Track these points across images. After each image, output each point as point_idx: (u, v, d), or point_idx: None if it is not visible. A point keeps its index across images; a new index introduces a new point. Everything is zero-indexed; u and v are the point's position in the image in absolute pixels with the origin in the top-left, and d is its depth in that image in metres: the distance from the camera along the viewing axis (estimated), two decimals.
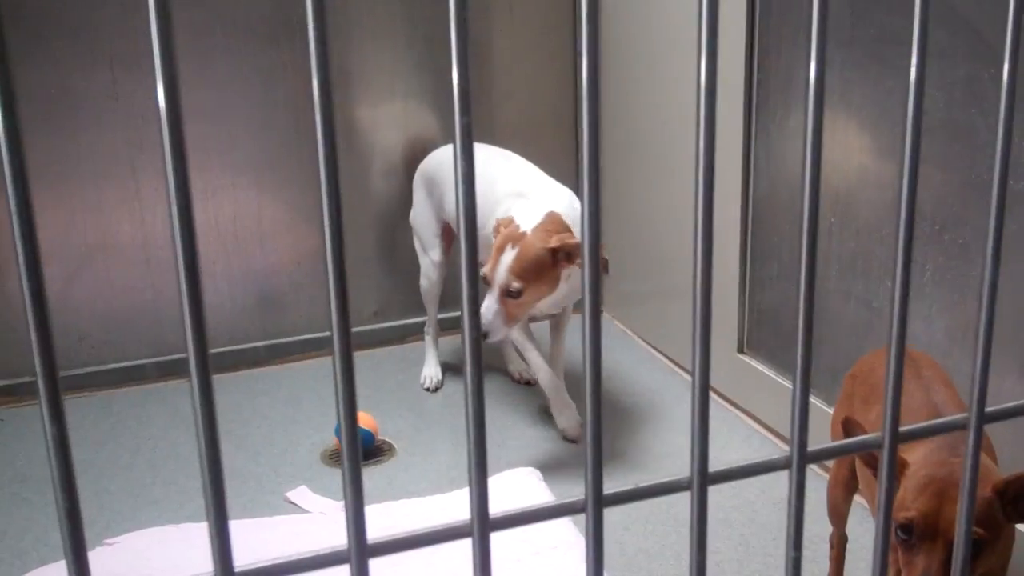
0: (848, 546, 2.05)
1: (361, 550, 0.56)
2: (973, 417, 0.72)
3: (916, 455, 1.55)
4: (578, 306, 3.72)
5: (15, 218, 0.48)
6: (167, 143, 0.49)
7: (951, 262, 2.15)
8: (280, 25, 3.17)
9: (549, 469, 2.65)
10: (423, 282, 3.13)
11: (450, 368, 3.30)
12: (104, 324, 3.21)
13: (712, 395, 3.03)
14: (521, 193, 2.71)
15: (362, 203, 3.41)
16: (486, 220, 2.68)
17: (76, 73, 3.00)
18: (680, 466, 2.61)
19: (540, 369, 2.84)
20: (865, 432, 1.52)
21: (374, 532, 2.05)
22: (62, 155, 3.05)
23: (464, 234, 0.56)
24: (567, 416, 2.84)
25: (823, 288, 2.55)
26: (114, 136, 3.09)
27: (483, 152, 2.92)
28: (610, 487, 0.65)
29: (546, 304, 2.70)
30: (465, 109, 0.56)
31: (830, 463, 2.02)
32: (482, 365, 0.60)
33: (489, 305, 2.51)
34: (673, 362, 3.25)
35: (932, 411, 1.65)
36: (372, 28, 3.30)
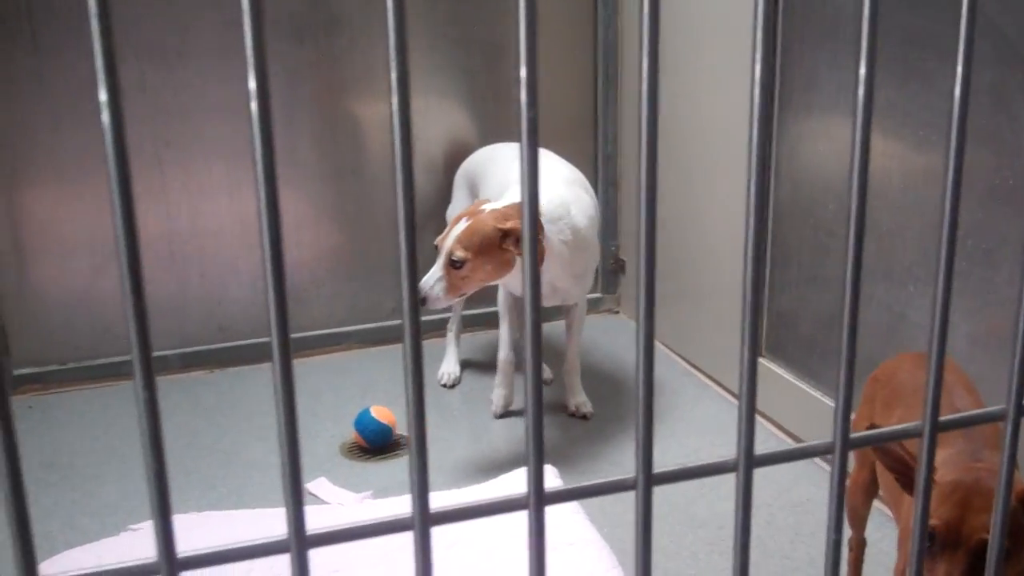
0: (867, 550, 2.06)
1: (424, 518, 0.58)
2: (1011, 409, 0.74)
3: (947, 452, 1.56)
4: (595, 305, 3.74)
5: (118, 219, 0.50)
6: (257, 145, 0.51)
7: (974, 268, 2.16)
8: (307, 23, 3.20)
9: (563, 469, 2.67)
10: None
11: (469, 366, 3.32)
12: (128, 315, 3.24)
13: (729, 397, 3.06)
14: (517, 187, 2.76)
15: (384, 198, 3.43)
16: None
17: None
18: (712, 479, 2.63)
19: (503, 345, 2.97)
20: (897, 443, 1.53)
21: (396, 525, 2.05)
22: (89, 148, 3.08)
23: (527, 229, 0.58)
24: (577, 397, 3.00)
25: (841, 291, 2.56)
26: (141, 130, 3.12)
27: (511, 150, 2.98)
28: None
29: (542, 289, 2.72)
30: (532, 102, 0.57)
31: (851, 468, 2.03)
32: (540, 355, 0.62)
33: (433, 272, 2.57)
34: (689, 363, 3.27)
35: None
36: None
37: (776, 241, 2.81)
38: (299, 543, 0.57)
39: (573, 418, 2.97)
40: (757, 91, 0.62)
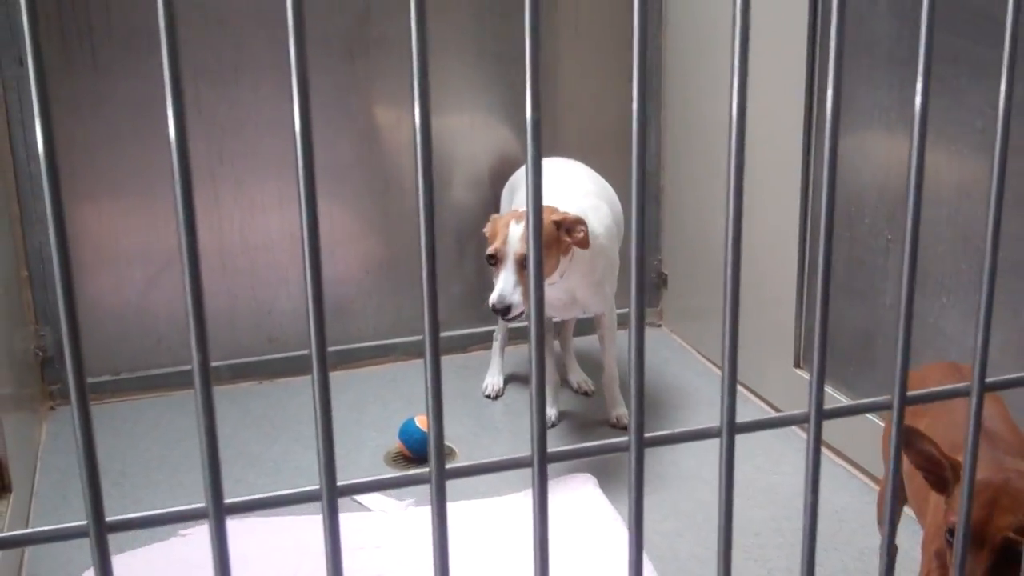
0: (898, 557, 2.09)
1: (440, 472, 0.64)
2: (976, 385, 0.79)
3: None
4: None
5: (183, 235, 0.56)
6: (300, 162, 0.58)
7: (1004, 279, 2.18)
8: (355, 41, 3.28)
9: (605, 475, 2.71)
10: None
11: (513, 379, 3.38)
12: (181, 327, 3.34)
13: (766, 408, 3.09)
14: (549, 193, 2.82)
15: (439, 212, 3.48)
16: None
17: (162, 86, 3.13)
18: (740, 478, 2.67)
19: (547, 369, 3.02)
20: (926, 437, 1.57)
21: (431, 532, 2.13)
22: (146, 164, 3.18)
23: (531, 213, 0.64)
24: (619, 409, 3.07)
25: (879, 304, 2.60)
26: (195, 145, 3.19)
27: (552, 164, 3.04)
28: (656, 500, 0.72)
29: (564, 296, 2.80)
30: (533, 124, 0.63)
31: (880, 474, 2.05)
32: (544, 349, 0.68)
33: (507, 278, 2.55)
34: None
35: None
36: (444, 43, 3.40)
37: (813, 256, 2.84)
38: (330, 492, 0.64)
39: (615, 429, 3.02)
40: (828, 112, 0.67)
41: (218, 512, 0.65)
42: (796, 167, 2.81)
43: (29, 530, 0.68)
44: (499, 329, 3.33)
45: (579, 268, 2.73)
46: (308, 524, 2.48)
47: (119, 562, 2.28)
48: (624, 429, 2.99)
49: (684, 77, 3.44)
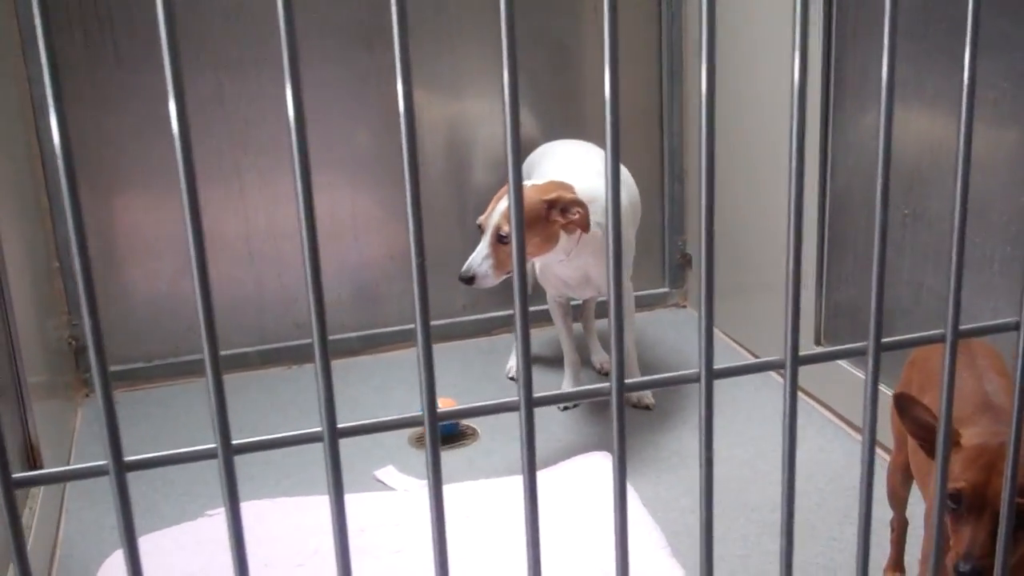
0: (908, 530, 2.10)
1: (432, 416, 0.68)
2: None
3: (974, 429, 1.61)
4: (662, 299, 3.81)
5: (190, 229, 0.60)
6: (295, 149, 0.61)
7: (1017, 253, 2.19)
8: (374, 29, 3.32)
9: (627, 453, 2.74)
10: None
11: (536, 360, 3.41)
12: None
13: (772, 370, 3.08)
14: (561, 173, 2.84)
15: (458, 195, 3.54)
16: None
17: (185, 78, 3.18)
18: (752, 454, 2.69)
19: (566, 349, 3.11)
20: (920, 404, 1.58)
21: (457, 510, 2.20)
22: (173, 155, 3.23)
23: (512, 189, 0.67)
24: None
25: (898, 280, 2.60)
26: (220, 138, 3.27)
27: (568, 145, 3.07)
28: (673, 477, 0.75)
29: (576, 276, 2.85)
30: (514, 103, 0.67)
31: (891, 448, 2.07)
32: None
33: (480, 250, 2.63)
34: (753, 355, 3.32)
35: (983, 399, 1.70)
36: (463, 30, 3.43)
37: (832, 233, 2.85)
38: (331, 435, 0.68)
39: (636, 409, 3.05)
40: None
41: (227, 452, 0.70)
42: (814, 147, 2.82)
43: (56, 469, 0.72)
44: None
45: (589, 248, 2.74)
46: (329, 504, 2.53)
47: (147, 541, 2.35)
48: (647, 408, 3.03)
49: (718, 57, 3.45)
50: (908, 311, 2.58)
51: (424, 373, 0.72)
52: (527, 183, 2.72)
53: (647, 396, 3.06)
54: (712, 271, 0.79)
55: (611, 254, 0.78)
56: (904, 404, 1.56)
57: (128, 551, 0.69)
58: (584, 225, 2.63)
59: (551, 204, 2.61)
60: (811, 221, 2.87)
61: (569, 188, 2.68)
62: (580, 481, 2.55)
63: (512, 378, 3.29)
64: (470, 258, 2.63)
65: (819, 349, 2.84)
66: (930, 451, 1.58)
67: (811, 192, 2.85)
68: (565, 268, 2.81)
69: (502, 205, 2.62)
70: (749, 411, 2.96)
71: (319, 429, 0.72)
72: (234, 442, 0.70)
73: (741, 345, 3.39)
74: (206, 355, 0.67)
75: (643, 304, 3.77)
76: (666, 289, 3.83)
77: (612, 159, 0.72)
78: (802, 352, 0.83)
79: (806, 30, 0.75)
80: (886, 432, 2.47)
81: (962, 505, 1.52)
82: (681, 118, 3.65)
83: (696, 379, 0.79)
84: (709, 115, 0.74)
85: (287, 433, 0.75)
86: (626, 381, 0.78)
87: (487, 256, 2.62)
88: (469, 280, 2.62)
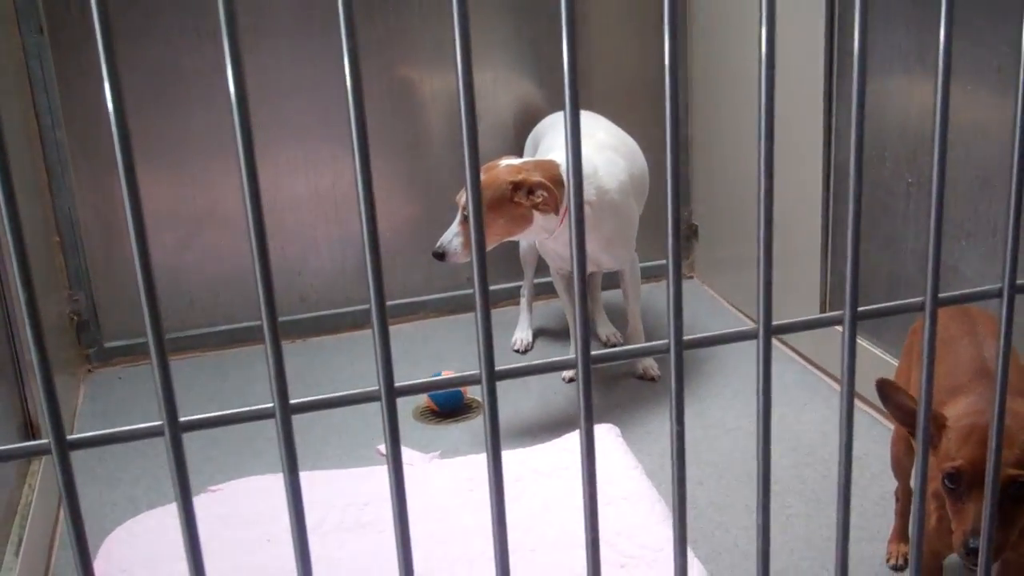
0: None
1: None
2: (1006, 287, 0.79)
3: (957, 408, 1.59)
4: (663, 271, 3.78)
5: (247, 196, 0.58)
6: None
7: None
8: (375, 1, 3.29)
9: (630, 426, 2.73)
10: (521, 244, 3.22)
11: (542, 333, 3.39)
12: (212, 288, 3.39)
13: (795, 356, 3.09)
14: (561, 146, 2.83)
15: (461, 166, 3.51)
16: None
17: (186, 50, 3.16)
18: (755, 429, 2.67)
19: (570, 316, 3.14)
20: (902, 390, 1.57)
21: (460, 482, 2.17)
22: (174, 129, 3.22)
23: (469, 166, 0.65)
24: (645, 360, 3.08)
25: (902, 249, 2.57)
26: (221, 111, 3.24)
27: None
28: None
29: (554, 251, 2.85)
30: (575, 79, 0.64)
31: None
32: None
33: (451, 227, 2.66)
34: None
35: (981, 365, 1.68)
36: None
37: (837, 202, 2.83)
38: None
39: (642, 380, 3.03)
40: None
41: (284, 412, 0.69)
42: (818, 117, 2.79)
43: (111, 430, 0.71)
44: (525, 285, 3.35)
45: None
46: (333, 478, 2.52)
47: (150, 517, 2.35)
48: (652, 380, 3.01)
49: (711, 26, 3.41)
50: (912, 279, 2.55)
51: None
52: (509, 161, 2.69)
53: (652, 368, 3.05)
54: (771, 231, 0.77)
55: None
56: (887, 391, 1.55)
57: (184, 513, 0.68)
58: (552, 207, 2.61)
59: (516, 186, 2.59)
60: (815, 190, 2.85)
61: (551, 166, 2.66)
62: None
63: (518, 350, 3.28)
64: (443, 235, 2.66)
65: (796, 319, 2.82)
66: (916, 436, 1.56)
67: (815, 161, 2.82)
68: (556, 245, 2.79)
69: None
70: (752, 381, 2.94)
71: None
72: (292, 401, 0.70)
73: (748, 316, 3.37)
74: (264, 322, 0.65)
75: (649, 274, 3.74)
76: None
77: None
78: (778, 321, 0.81)
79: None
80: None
81: (962, 483, 1.50)
82: (686, 88, 3.62)
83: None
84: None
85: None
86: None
87: (457, 234, 2.65)
88: (440, 256, 2.67)
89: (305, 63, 3.26)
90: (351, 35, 0.63)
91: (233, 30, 0.65)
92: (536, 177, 2.60)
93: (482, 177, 2.61)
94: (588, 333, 0.75)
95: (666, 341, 0.77)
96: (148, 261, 0.63)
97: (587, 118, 3.05)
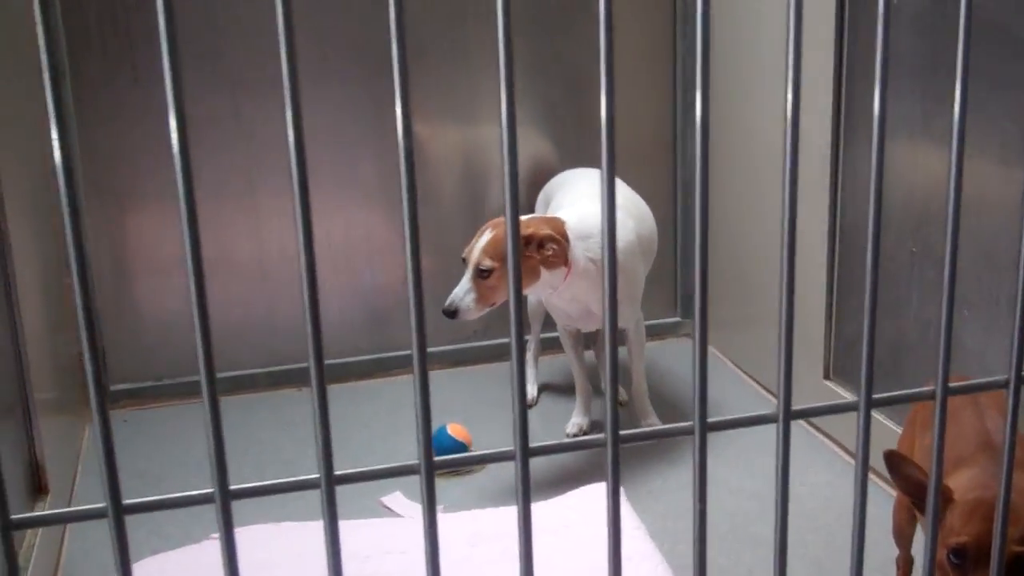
0: (914, 568, 2.09)
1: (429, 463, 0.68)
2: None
3: (960, 480, 1.60)
4: (672, 329, 3.80)
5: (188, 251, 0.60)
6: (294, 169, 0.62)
7: None
8: (390, 54, 3.33)
9: (632, 485, 2.73)
10: (530, 299, 3.25)
11: (547, 388, 3.41)
12: (221, 334, 3.38)
13: (799, 420, 3.08)
14: (572, 204, 2.86)
15: (474, 221, 3.54)
16: None
17: (202, 96, 3.21)
18: (761, 485, 2.68)
19: (577, 378, 3.09)
20: (910, 461, 1.58)
21: (462, 537, 2.19)
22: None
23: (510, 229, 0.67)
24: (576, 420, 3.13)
25: (904, 316, 2.59)
26: (234, 156, 3.29)
27: (582, 175, 3.09)
28: (682, 508, 0.75)
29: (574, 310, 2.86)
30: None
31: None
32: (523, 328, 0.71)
33: (462, 284, 2.66)
34: (763, 386, 3.31)
35: (984, 437, 1.70)
36: (482, 57, 3.44)
37: (842, 268, 2.85)
38: (329, 482, 0.69)
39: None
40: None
41: (329, 486, 0.71)
42: (824, 180, 2.82)
43: (53, 512, 0.73)
44: (531, 339, 3.37)
45: (584, 282, 2.73)
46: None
47: (151, 563, 2.35)
48: (620, 405, 3.06)
49: (723, 88, 3.45)
50: (914, 347, 2.57)
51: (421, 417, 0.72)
52: (498, 219, 2.72)
53: (651, 417, 3.08)
54: (792, 320, 0.79)
55: (607, 285, 0.78)
56: (895, 462, 1.56)
57: None
58: (561, 260, 2.64)
59: (527, 240, 2.62)
60: (820, 256, 2.87)
61: (557, 223, 2.69)
62: (584, 513, 2.54)
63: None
64: (453, 292, 2.66)
65: (814, 403, 2.84)
66: (923, 508, 1.57)
67: (821, 226, 2.85)
68: (561, 301, 2.81)
69: (483, 239, 2.64)
70: (759, 442, 2.95)
71: (316, 476, 0.73)
72: (232, 487, 0.71)
73: (750, 376, 3.39)
74: (206, 404, 0.67)
75: (653, 333, 3.77)
76: (677, 319, 3.83)
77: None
78: (797, 406, 0.84)
79: (798, 62, 0.75)
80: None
81: (967, 559, 1.51)
82: (695, 148, 3.65)
83: (690, 432, 0.79)
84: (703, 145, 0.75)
85: (282, 480, 0.75)
86: (621, 433, 0.78)
87: (469, 290, 2.65)
88: (452, 314, 2.67)
89: (319, 113, 3.30)
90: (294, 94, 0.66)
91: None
92: (546, 230, 2.63)
93: (491, 233, 2.64)
94: (617, 416, 0.78)
95: (691, 424, 0.79)
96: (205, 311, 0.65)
97: (595, 176, 3.09)
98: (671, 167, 3.69)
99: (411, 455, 2.90)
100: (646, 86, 3.62)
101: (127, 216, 3.29)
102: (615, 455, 0.76)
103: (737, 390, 3.34)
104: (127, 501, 0.71)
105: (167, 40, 0.61)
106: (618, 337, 3.10)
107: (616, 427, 0.76)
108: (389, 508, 2.67)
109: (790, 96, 0.76)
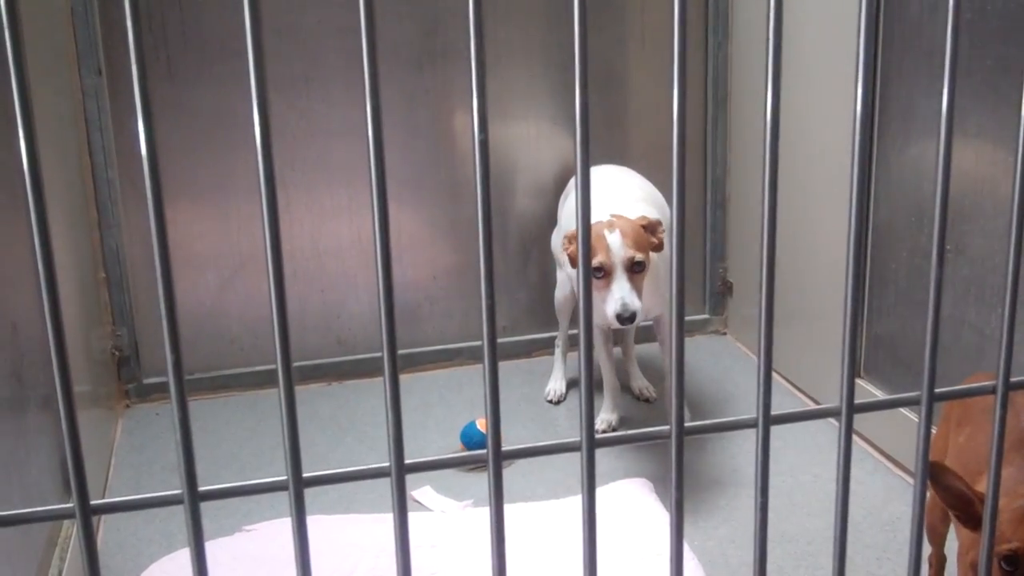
0: (947, 567, 2.09)
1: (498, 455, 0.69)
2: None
3: (1008, 472, 1.60)
4: (702, 326, 3.80)
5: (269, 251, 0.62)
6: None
7: None
8: (426, 51, 3.35)
9: (660, 481, 2.74)
10: (557, 294, 3.26)
11: (576, 384, 3.42)
12: (253, 329, 3.43)
13: (830, 419, 3.07)
14: (603, 199, 2.87)
15: (501, 219, 3.56)
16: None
17: (235, 94, 3.23)
18: (790, 484, 2.68)
19: (605, 370, 3.10)
20: (952, 472, 1.56)
21: (488, 533, 2.18)
22: (221, 170, 3.28)
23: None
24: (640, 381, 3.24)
25: (940, 314, 2.58)
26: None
27: (608, 171, 3.09)
28: (711, 506, 0.76)
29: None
30: (585, 134, 0.68)
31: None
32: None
33: (621, 286, 2.58)
34: (793, 385, 3.30)
35: (1019, 436, 1.69)
36: (511, 53, 3.45)
37: (875, 265, 2.84)
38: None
39: (638, 400, 3.13)
40: (858, 119, 0.71)
41: (297, 487, 0.72)
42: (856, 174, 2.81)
43: (131, 497, 0.75)
44: (560, 335, 3.38)
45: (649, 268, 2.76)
46: (366, 523, 2.54)
47: (183, 555, 2.37)
48: (647, 401, 3.12)
49: (751, 85, 3.45)
50: (948, 347, 2.56)
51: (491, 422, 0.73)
52: (608, 216, 2.70)
53: (648, 389, 3.21)
54: (772, 324, 0.80)
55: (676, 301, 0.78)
56: (937, 472, 1.54)
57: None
58: (663, 245, 2.68)
59: (646, 227, 2.65)
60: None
61: (641, 218, 2.70)
62: (618, 510, 2.55)
63: (551, 400, 3.30)
64: (616, 298, 2.57)
65: (877, 396, 2.83)
66: (966, 521, 1.56)
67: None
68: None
69: (616, 239, 2.59)
70: (786, 439, 2.94)
71: (387, 464, 0.74)
72: (305, 475, 0.73)
73: (780, 374, 3.38)
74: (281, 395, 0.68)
75: (684, 330, 3.77)
76: (706, 316, 3.83)
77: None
78: (857, 399, 0.84)
79: (870, 61, 0.76)
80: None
81: (1019, 567, 1.50)
82: (725, 146, 3.65)
83: (753, 424, 0.80)
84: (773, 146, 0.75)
85: (354, 468, 0.76)
86: (686, 424, 0.79)
87: (630, 289, 2.59)
88: (631, 318, 2.59)
89: (354, 108, 3.32)
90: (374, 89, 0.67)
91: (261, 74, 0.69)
92: (652, 217, 2.68)
93: (615, 231, 2.60)
94: (683, 403, 0.78)
95: (753, 416, 0.80)
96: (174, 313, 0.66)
97: (617, 171, 3.10)
98: (701, 165, 3.68)
99: (440, 450, 2.93)
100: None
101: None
102: (679, 447, 0.77)
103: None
104: (203, 488, 0.73)
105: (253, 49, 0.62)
106: (650, 332, 3.13)
107: (681, 419, 0.77)
108: (419, 502, 2.69)
109: (860, 98, 0.77)
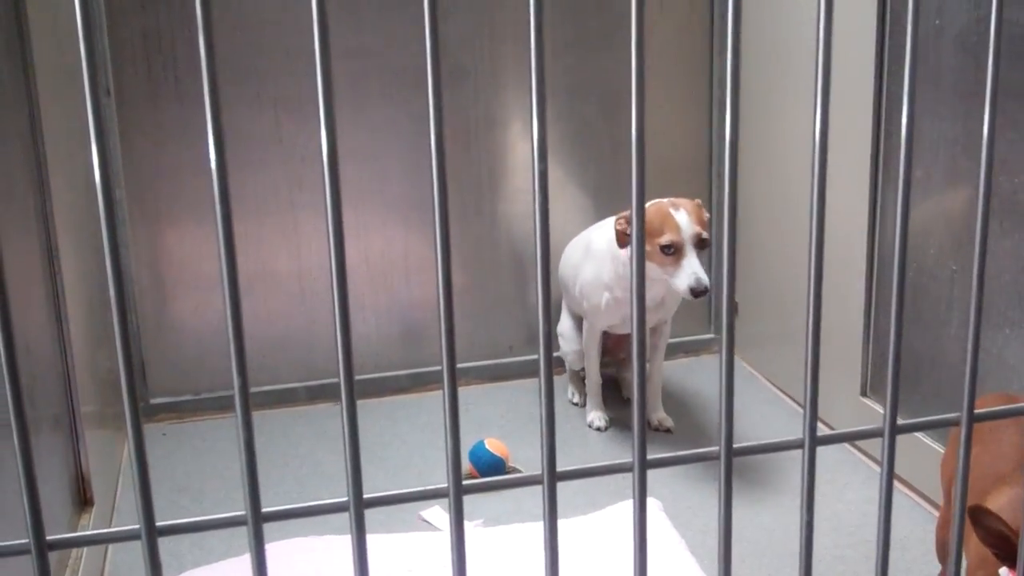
0: None
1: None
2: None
3: (1000, 500, 1.61)
4: (707, 345, 3.81)
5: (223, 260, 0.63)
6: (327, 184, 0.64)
7: None
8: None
9: (670, 500, 2.74)
10: (586, 339, 3.26)
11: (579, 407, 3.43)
12: (260, 349, 3.44)
13: (828, 432, 3.08)
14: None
15: (504, 240, 3.57)
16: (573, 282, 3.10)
17: (244, 115, 3.25)
18: (800, 501, 2.68)
19: (591, 370, 3.20)
20: (995, 516, 1.55)
21: (499, 552, 2.20)
22: (230, 190, 3.29)
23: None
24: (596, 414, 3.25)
25: (943, 335, 2.60)
26: (275, 174, 3.32)
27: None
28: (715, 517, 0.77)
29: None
30: (543, 156, 0.69)
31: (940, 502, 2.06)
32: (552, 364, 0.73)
33: (691, 261, 2.66)
34: (799, 404, 3.31)
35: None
36: (518, 75, 3.47)
37: (881, 284, 2.85)
38: (357, 505, 0.70)
39: (656, 432, 3.18)
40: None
41: (256, 520, 0.72)
42: (864, 200, 2.83)
43: (89, 533, 0.75)
44: (593, 372, 3.38)
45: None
46: (375, 543, 2.54)
47: (211, 570, 2.37)
48: (668, 432, 3.10)
49: (758, 104, 3.47)
50: (955, 364, 2.57)
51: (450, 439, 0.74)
52: (663, 200, 2.76)
53: (666, 420, 3.19)
54: (819, 346, 0.81)
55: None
56: (978, 515, 1.53)
57: None
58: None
59: (698, 207, 2.75)
60: (859, 272, 2.88)
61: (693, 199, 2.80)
62: (628, 528, 2.55)
63: (575, 403, 3.35)
64: (689, 272, 2.65)
65: (849, 422, 2.84)
66: (1004, 559, 1.55)
67: (859, 243, 2.86)
68: (659, 287, 2.85)
69: (683, 217, 2.67)
70: (796, 459, 2.95)
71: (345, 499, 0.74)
72: (264, 510, 0.73)
73: (785, 392, 3.39)
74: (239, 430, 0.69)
75: (688, 349, 3.79)
76: (711, 335, 3.84)
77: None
78: (832, 424, 0.85)
79: (828, 80, 0.77)
80: (935, 487, 2.46)
81: None
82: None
83: (799, 445, 0.81)
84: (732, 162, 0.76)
85: (312, 503, 0.77)
86: (648, 458, 0.80)
87: (700, 264, 2.67)
88: (704, 291, 2.67)
89: (361, 130, 3.34)
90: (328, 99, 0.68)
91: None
92: (695, 199, 2.77)
93: (680, 210, 2.68)
94: (731, 424, 0.79)
95: (716, 448, 0.81)
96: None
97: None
98: (707, 185, 3.70)
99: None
100: (682, 104, 3.64)
101: (168, 232, 3.34)
102: (727, 466, 0.78)
103: (771, 407, 3.34)
104: (161, 523, 0.73)
105: (207, 59, 0.63)
106: (650, 337, 3.14)
107: (730, 439, 0.79)
108: (428, 522, 2.69)
109: (818, 116, 0.78)
